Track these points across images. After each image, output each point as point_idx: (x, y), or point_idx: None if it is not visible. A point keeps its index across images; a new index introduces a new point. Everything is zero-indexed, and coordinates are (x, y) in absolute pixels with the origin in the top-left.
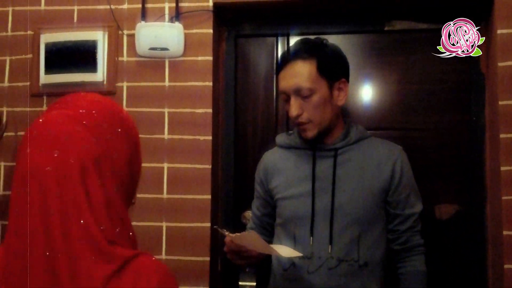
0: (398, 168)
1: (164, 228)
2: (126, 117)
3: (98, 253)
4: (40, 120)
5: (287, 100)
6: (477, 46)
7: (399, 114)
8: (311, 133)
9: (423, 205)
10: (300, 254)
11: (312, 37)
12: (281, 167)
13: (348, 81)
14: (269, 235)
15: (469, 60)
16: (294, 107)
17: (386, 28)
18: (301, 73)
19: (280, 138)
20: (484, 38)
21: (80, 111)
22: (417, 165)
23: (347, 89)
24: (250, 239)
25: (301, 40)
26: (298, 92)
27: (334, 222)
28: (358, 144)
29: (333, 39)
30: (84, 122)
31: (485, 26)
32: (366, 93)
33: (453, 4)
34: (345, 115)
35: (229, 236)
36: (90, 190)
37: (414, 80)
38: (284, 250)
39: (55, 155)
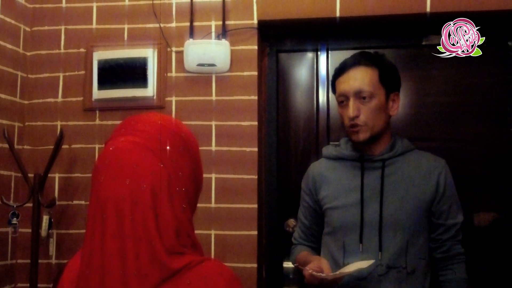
0: (443, 180)
1: (212, 236)
2: (186, 134)
3: (164, 272)
4: (111, 148)
5: (344, 103)
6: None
7: (438, 125)
8: (363, 135)
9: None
10: (373, 261)
11: (370, 50)
12: (329, 178)
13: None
14: (316, 243)
15: (505, 73)
16: (353, 108)
17: (423, 43)
18: (364, 77)
19: (327, 149)
20: (484, 38)
21: (145, 136)
22: (456, 174)
23: (399, 102)
24: (335, 274)
25: (362, 51)
26: (358, 94)
27: (383, 231)
28: (404, 156)
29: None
30: (150, 148)
31: None
32: (406, 105)
33: (485, 18)
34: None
35: (321, 275)
36: (159, 213)
37: (452, 92)
38: (358, 265)
39: (127, 182)
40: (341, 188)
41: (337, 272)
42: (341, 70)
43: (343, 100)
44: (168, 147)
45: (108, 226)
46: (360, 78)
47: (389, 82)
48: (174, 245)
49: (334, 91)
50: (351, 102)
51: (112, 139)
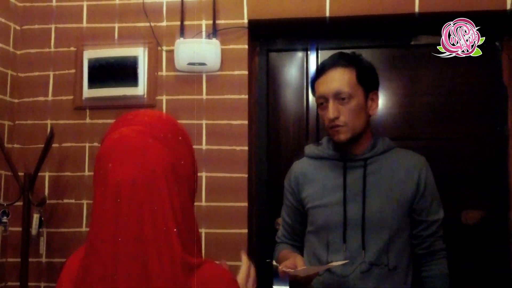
0: (423, 178)
1: (203, 235)
2: (182, 127)
3: (177, 260)
4: (115, 136)
5: (324, 105)
6: (499, 59)
7: (426, 124)
8: (344, 136)
9: (450, 211)
10: (346, 261)
11: (348, 51)
12: (311, 177)
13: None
14: (299, 241)
15: (492, 73)
16: (332, 110)
17: (412, 43)
18: (342, 78)
19: (310, 149)
20: (483, 38)
21: (147, 125)
22: (444, 173)
23: (378, 100)
24: (307, 270)
25: (339, 52)
26: (337, 95)
27: (366, 229)
28: (385, 155)
29: (362, 53)
30: (154, 135)
31: (507, 40)
32: (395, 104)
33: (473, 18)
34: (373, 127)
35: (290, 271)
36: (173, 197)
37: (441, 92)
38: (331, 264)
39: (138, 167)
40: (323, 187)
41: (306, 267)
42: (319, 72)
43: (322, 102)
44: (169, 135)
45: (121, 210)
46: (338, 79)
47: (367, 81)
48: (181, 232)
49: (313, 93)
50: (331, 104)
51: (112, 132)
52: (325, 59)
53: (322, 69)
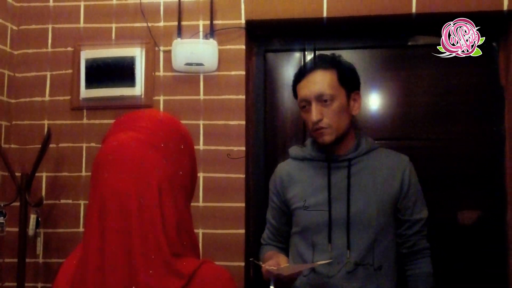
0: (407, 177)
1: (200, 235)
2: (184, 131)
3: (169, 270)
4: (113, 143)
5: (307, 108)
6: (496, 59)
7: (423, 124)
8: (329, 137)
9: (447, 211)
10: (329, 260)
11: (328, 52)
12: (296, 178)
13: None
14: (284, 243)
15: (489, 73)
16: (315, 113)
17: (409, 43)
18: (323, 80)
19: (294, 150)
20: (483, 38)
21: (147, 133)
22: (441, 173)
23: (361, 100)
24: (290, 268)
25: (319, 55)
26: (320, 97)
27: (351, 229)
28: (369, 155)
29: (359, 54)
30: (154, 145)
31: (504, 41)
32: (392, 104)
33: (472, 19)
34: (356, 127)
35: (272, 269)
36: (165, 211)
37: (438, 92)
38: (314, 263)
39: (133, 178)
40: (308, 188)
41: (289, 265)
42: (300, 75)
43: (305, 105)
44: (169, 144)
45: (110, 221)
46: (319, 82)
47: (348, 82)
48: (174, 244)
49: (295, 96)
50: (313, 107)
51: (112, 135)
52: (306, 63)
53: (302, 73)
